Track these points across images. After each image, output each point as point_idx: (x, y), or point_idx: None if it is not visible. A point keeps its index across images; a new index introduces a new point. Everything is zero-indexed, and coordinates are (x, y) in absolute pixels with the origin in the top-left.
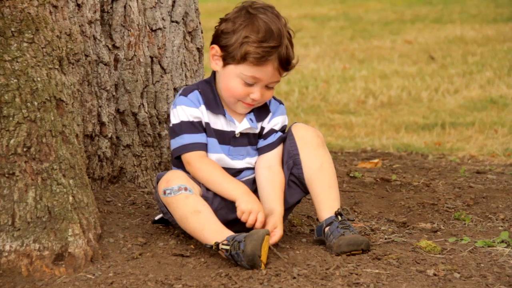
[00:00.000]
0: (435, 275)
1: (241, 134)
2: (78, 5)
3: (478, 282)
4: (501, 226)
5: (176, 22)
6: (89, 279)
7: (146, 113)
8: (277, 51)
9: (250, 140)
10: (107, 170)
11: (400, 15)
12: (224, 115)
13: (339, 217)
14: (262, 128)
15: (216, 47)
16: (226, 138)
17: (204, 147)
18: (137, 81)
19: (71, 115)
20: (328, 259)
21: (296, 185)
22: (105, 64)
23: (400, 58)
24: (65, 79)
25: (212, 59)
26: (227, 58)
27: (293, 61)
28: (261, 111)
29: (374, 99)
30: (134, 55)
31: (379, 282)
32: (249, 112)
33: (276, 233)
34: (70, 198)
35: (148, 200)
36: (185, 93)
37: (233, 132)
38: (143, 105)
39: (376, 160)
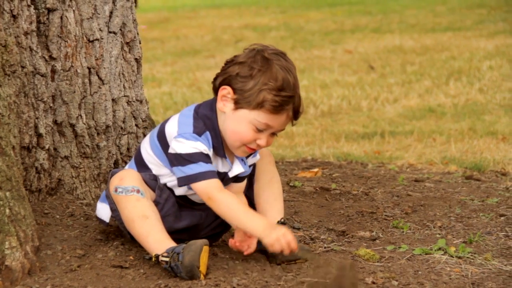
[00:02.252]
0: (373, 283)
1: None
2: (14, 16)
3: None
4: (439, 234)
5: (114, 32)
6: None
7: (84, 124)
8: (293, 101)
9: (235, 180)
10: (45, 182)
11: (340, 25)
12: (223, 157)
13: None
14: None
15: (229, 89)
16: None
17: (217, 175)
18: (74, 92)
19: (7, 127)
20: (268, 269)
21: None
22: (42, 75)
23: (340, 67)
24: (1, 91)
25: (221, 100)
26: (241, 102)
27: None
28: None
29: (314, 108)
30: (72, 66)
31: None
32: None
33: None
34: (7, 210)
35: (87, 211)
36: (198, 132)
37: (226, 173)
38: (81, 116)
39: (316, 169)
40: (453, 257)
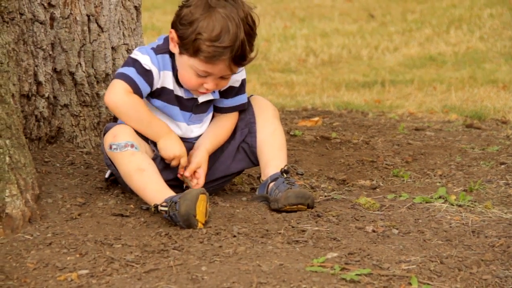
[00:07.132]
0: (374, 231)
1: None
2: None
3: (416, 237)
4: (439, 182)
5: None
6: (27, 240)
7: (84, 72)
8: (230, 50)
9: (210, 106)
10: (45, 130)
11: None
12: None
13: (285, 174)
14: None
15: (173, 33)
16: (188, 106)
17: (140, 94)
18: (73, 40)
19: (6, 75)
20: (268, 217)
21: (245, 154)
22: (41, 23)
23: (341, 16)
24: (0, 38)
25: (171, 41)
26: (182, 48)
27: (251, 55)
28: None
29: (315, 57)
30: (71, 13)
31: (318, 239)
32: None
33: (200, 174)
34: (7, 158)
35: (87, 160)
36: (156, 50)
37: (196, 99)
38: (80, 64)
39: (316, 118)
40: (453, 205)
